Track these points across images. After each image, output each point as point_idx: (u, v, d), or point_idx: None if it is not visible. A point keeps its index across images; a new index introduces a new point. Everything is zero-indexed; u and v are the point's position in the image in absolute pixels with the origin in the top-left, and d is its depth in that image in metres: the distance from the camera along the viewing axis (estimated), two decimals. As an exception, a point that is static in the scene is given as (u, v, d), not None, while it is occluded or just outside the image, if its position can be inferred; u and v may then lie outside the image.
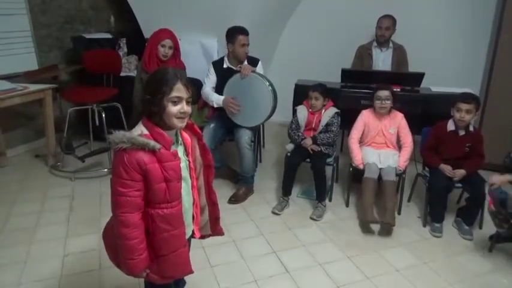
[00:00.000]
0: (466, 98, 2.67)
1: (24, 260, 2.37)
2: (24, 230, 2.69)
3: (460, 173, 2.66)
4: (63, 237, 2.62)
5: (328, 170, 3.08)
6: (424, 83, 3.39)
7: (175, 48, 3.12)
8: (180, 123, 1.39)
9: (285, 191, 3.03)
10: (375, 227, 2.77)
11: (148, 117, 1.38)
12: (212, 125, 3.15)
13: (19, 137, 4.00)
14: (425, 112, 3.18)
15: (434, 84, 3.50)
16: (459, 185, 2.73)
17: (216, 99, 3.11)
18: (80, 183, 3.39)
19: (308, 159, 3.00)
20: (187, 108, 1.38)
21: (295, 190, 3.19)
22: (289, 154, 3.09)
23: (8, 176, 3.52)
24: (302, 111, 3.12)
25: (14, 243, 2.54)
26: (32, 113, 4.02)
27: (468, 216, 2.72)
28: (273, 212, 2.95)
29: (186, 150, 1.51)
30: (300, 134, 3.06)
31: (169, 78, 1.36)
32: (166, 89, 1.34)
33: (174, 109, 1.36)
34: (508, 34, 3.44)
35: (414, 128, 2.99)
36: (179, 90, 1.36)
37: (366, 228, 2.77)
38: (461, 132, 2.74)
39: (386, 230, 2.72)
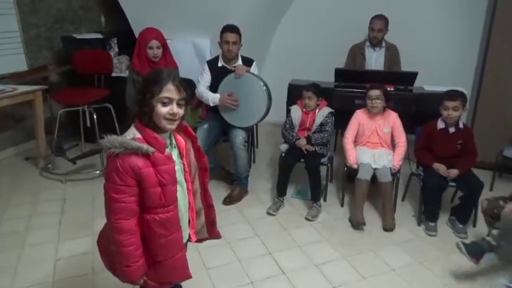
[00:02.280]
0: (451, 95, 2.69)
1: (16, 265, 2.33)
2: (15, 233, 2.64)
3: (454, 172, 2.67)
4: (55, 240, 2.58)
5: (323, 170, 3.07)
6: (417, 82, 3.40)
7: (164, 46, 3.07)
8: (169, 125, 1.35)
9: (280, 191, 3.02)
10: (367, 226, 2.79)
11: (139, 119, 1.35)
12: (206, 126, 3.13)
13: (8, 140, 3.93)
14: (418, 111, 3.19)
15: (427, 84, 3.51)
16: (453, 183, 2.74)
17: (212, 98, 3.08)
18: (72, 186, 3.35)
19: (302, 160, 2.99)
20: (177, 110, 1.34)
21: (290, 190, 3.18)
22: (283, 154, 3.07)
23: (-2, 179, 3.46)
24: (296, 111, 3.10)
25: (5, 248, 2.49)
26: (21, 114, 3.95)
27: (462, 215, 2.73)
28: (268, 213, 2.94)
29: (180, 153, 1.48)
30: (294, 134, 3.04)
31: (161, 78, 1.33)
32: (156, 89, 1.32)
33: (163, 110, 1.32)
34: (498, 33, 3.47)
35: (408, 127, 3.00)
36: (169, 91, 1.33)
37: (356, 226, 2.79)
38: (452, 130, 2.76)
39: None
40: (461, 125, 2.76)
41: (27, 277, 2.23)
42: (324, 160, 3.06)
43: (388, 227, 2.76)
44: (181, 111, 1.37)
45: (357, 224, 2.76)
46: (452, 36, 4.02)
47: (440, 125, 2.77)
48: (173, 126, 1.37)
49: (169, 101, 1.33)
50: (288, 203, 3.09)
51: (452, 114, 2.66)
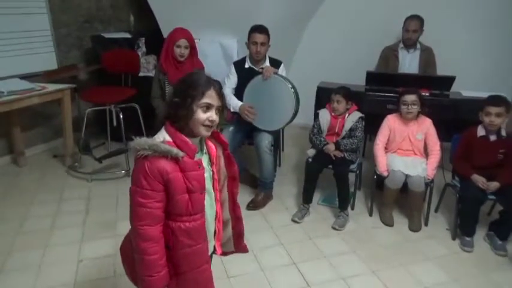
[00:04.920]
0: (495, 100, 2.53)
1: (39, 264, 2.33)
2: (39, 232, 2.66)
3: (494, 185, 2.50)
4: (79, 241, 2.57)
5: (351, 177, 2.94)
6: (454, 87, 3.22)
7: (192, 47, 3.03)
8: (205, 132, 1.32)
9: (306, 198, 2.92)
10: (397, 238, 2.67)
11: (172, 122, 1.30)
12: (231, 128, 3.06)
13: (37, 137, 4.00)
14: (455, 118, 3.01)
15: (464, 88, 3.32)
16: (492, 197, 2.57)
17: (234, 105, 3.04)
18: (97, 185, 3.35)
19: (330, 166, 2.88)
20: (216, 117, 1.31)
21: (316, 197, 3.07)
22: (310, 160, 2.97)
23: (26, 176, 3.51)
24: (324, 115, 2.99)
25: (30, 246, 2.50)
26: (50, 112, 4.00)
27: (502, 230, 2.56)
28: (293, 220, 2.84)
29: (210, 159, 1.42)
30: (322, 139, 2.93)
31: (203, 83, 1.29)
32: (198, 94, 1.27)
33: (202, 116, 1.28)
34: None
35: (443, 134, 2.84)
36: (211, 97, 1.29)
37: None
38: (493, 138, 2.59)
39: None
40: (503, 133, 2.58)
41: (50, 277, 2.22)
42: (352, 167, 2.94)
43: (414, 228, 2.75)
44: (217, 119, 1.33)
45: (386, 225, 2.84)
46: (492, 39, 3.80)
47: (481, 132, 2.60)
48: (209, 133, 1.34)
49: (210, 107, 1.30)
50: (314, 210, 2.99)
51: (495, 121, 2.49)
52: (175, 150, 1.24)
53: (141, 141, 1.22)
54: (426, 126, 2.82)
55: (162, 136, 1.29)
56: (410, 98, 2.75)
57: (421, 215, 2.82)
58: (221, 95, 1.33)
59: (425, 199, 2.87)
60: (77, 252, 2.45)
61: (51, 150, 4.02)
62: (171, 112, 1.30)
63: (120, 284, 2.17)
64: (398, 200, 2.91)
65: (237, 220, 1.56)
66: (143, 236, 1.26)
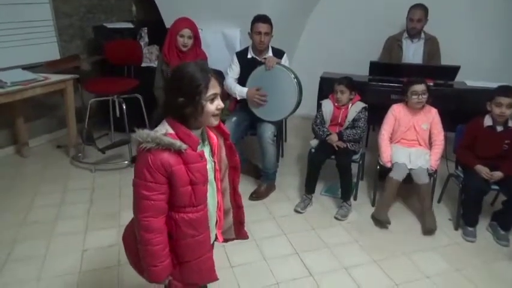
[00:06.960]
0: (507, 91, 2.49)
1: (44, 254, 2.36)
2: (44, 223, 2.68)
3: (497, 175, 2.49)
4: (83, 231, 2.59)
5: (354, 168, 2.95)
6: (458, 77, 3.19)
7: (195, 37, 3.02)
8: (216, 121, 1.33)
9: (308, 188, 2.92)
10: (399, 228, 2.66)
11: (181, 121, 1.28)
12: (234, 119, 3.05)
13: (41, 127, 4.01)
14: (459, 108, 2.99)
15: (468, 78, 3.29)
16: (495, 187, 2.56)
17: (240, 92, 3.01)
18: (100, 175, 3.37)
19: (333, 156, 2.87)
20: (222, 103, 1.32)
21: (319, 187, 3.07)
22: (313, 150, 2.97)
23: (30, 167, 3.53)
24: (327, 106, 2.98)
25: (35, 237, 2.53)
26: (54, 103, 4.01)
27: (504, 221, 2.55)
28: (296, 211, 2.85)
29: (212, 150, 1.42)
30: (325, 130, 2.93)
31: (201, 75, 1.26)
32: (203, 88, 1.25)
33: (212, 107, 1.28)
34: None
35: (447, 124, 2.82)
36: (214, 86, 1.28)
37: (380, 224, 2.68)
38: (500, 128, 2.57)
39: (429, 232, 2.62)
40: (510, 124, 2.56)
41: (55, 267, 2.25)
42: (355, 157, 2.94)
43: (429, 227, 2.57)
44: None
45: (380, 222, 2.66)
46: (498, 27, 3.75)
47: (488, 122, 2.58)
48: (218, 121, 1.35)
49: (216, 96, 1.30)
50: (317, 201, 2.99)
51: (506, 112, 2.47)
52: (178, 142, 1.23)
53: (143, 134, 1.22)
54: (432, 115, 2.80)
55: (165, 128, 1.28)
56: (421, 87, 2.72)
57: (432, 214, 2.65)
58: (219, 79, 1.32)
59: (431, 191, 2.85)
60: (81, 242, 2.47)
61: (55, 141, 4.04)
62: (177, 112, 1.27)
63: (124, 273, 2.20)
64: (400, 192, 2.89)
65: (238, 209, 1.57)
66: (147, 227, 1.27)
